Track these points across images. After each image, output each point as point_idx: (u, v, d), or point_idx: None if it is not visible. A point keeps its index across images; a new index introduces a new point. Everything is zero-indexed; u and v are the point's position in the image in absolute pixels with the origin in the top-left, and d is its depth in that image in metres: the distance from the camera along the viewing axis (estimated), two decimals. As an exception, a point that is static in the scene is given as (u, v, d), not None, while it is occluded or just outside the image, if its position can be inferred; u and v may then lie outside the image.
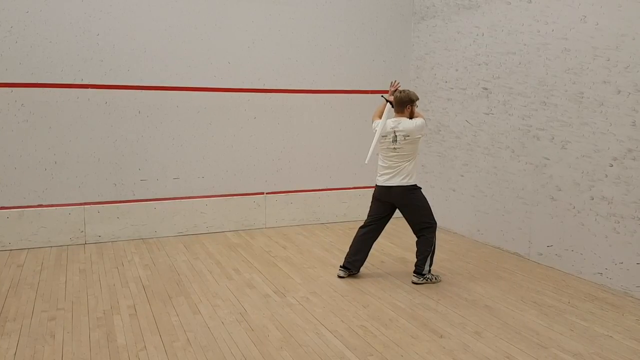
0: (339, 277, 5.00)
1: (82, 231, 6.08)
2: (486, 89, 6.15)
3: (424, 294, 4.61)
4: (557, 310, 4.28)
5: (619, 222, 4.72)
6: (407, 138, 4.72)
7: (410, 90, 4.96)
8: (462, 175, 6.59)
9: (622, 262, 4.71)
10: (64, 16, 5.85)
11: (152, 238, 6.35)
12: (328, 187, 7.26)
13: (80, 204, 6.07)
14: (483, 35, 6.16)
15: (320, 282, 4.88)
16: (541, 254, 5.51)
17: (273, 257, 5.67)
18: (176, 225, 6.49)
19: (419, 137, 4.79)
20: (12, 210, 5.81)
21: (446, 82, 6.80)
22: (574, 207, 5.12)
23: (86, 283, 4.80)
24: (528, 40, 5.55)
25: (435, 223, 4.88)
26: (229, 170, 6.72)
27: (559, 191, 5.28)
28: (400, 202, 4.84)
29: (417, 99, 4.86)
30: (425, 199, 4.89)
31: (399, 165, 4.78)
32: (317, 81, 7.07)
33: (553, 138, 5.32)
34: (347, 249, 5.93)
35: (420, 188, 4.89)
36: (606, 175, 4.81)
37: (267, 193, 6.93)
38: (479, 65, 6.23)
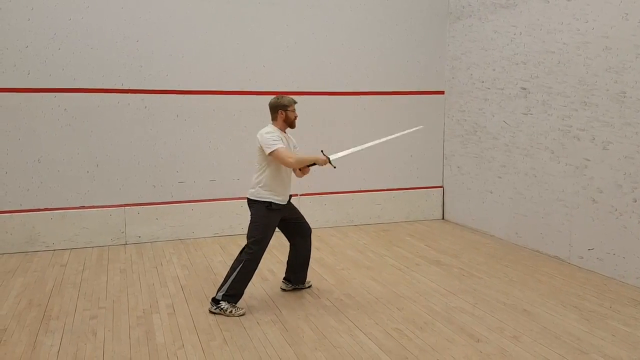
0: (282, 289, 4.71)
1: (122, 232, 6.23)
2: (524, 88, 6.03)
3: (461, 297, 4.55)
4: (598, 315, 4.17)
5: (664, 225, 4.57)
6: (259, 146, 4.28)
7: (287, 96, 4.43)
8: (500, 177, 6.49)
9: (667, 267, 4.55)
10: (104, 23, 6.02)
11: (190, 239, 6.46)
12: (361, 189, 7.25)
13: (121, 206, 6.23)
14: (521, 34, 6.05)
15: (354, 284, 4.87)
16: (582, 258, 5.37)
17: (308, 258, 5.68)
18: (212, 227, 6.58)
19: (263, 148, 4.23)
20: (55, 211, 6.00)
21: (483, 82, 6.70)
22: (616, 210, 4.98)
23: (126, 282, 4.92)
24: (567, 39, 5.43)
25: (256, 253, 4.26)
26: (264, 173, 6.77)
27: (600, 193, 5.14)
28: None
29: (290, 103, 4.36)
30: (262, 221, 4.26)
31: (253, 175, 4.37)
32: (351, 83, 7.07)
33: (594, 139, 5.18)
34: (380, 251, 5.94)
35: (268, 206, 4.25)
36: (650, 177, 4.66)
37: (300, 195, 6.95)
38: (517, 64, 6.12)
